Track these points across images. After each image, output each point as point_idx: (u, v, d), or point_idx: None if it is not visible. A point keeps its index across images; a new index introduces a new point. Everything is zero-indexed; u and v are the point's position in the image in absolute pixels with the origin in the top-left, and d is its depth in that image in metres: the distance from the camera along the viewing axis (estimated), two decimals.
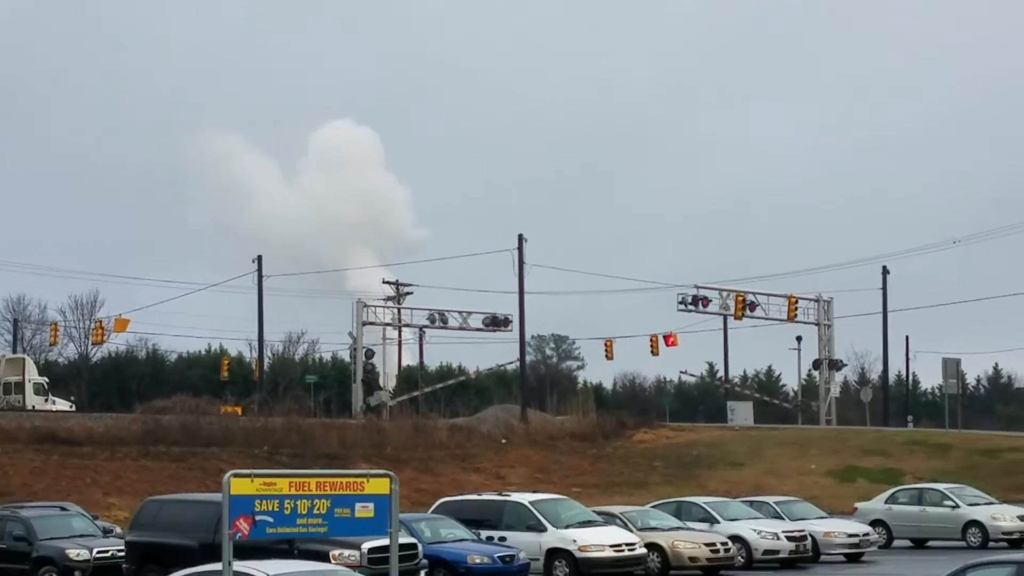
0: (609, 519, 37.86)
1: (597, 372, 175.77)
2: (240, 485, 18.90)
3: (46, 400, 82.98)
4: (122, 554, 32.63)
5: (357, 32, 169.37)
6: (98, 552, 34.10)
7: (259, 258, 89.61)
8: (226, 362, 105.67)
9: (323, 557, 26.95)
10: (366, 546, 28.89)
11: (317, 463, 57.72)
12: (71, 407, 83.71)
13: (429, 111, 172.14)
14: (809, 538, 40.28)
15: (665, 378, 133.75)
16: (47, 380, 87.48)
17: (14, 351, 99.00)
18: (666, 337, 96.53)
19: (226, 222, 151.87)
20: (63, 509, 39.75)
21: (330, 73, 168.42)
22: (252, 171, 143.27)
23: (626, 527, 37.32)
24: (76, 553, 34.02)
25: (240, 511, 18.81)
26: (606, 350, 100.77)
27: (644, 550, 36.25)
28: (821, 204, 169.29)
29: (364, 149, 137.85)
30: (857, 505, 48.56)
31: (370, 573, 24.95)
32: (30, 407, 78.83)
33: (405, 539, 29.10)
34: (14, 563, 34.66)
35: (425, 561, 31.71)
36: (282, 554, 22.81)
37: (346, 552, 28.62)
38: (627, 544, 35.88)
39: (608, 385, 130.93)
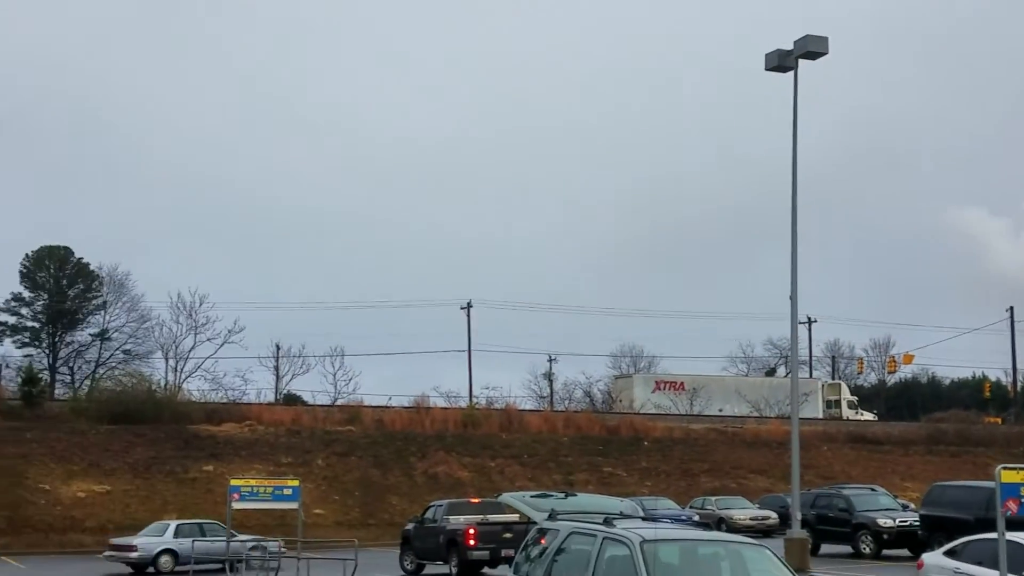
0: None
1: None
2: (1008, 475, 16.55)
3: (856, 412, 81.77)
4: (917, 523, 30.96)
5: None
6: (899, 521, 32.89)
7: (1011, 308, 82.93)
8: (987, 385, 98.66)
9: None
10: None
11: None
12: (874, 417, 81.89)
13: None
14: None
15: None
16: (856, 398, 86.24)
17: (832, 379, 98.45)
18: None
19: (979, 278, 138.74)
20: (872, 490, 38.65)
21: None
22: (993, 235, 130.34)
23: None
24: (884, 521, 32.91)
25: (1008, 495, 16.41)
26: None
27: None
28: None
29: None
30: None
31: None
32: (844, 417, 77.94)
33: None
34: (838, 527, 34.09)
35: None
36: None
37: None
38: None
39: None
